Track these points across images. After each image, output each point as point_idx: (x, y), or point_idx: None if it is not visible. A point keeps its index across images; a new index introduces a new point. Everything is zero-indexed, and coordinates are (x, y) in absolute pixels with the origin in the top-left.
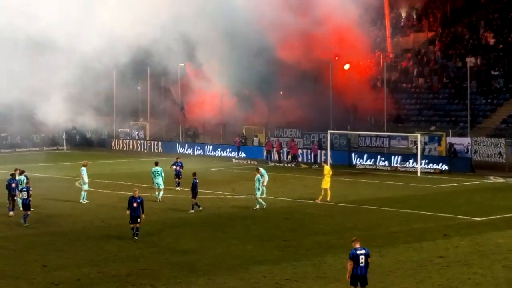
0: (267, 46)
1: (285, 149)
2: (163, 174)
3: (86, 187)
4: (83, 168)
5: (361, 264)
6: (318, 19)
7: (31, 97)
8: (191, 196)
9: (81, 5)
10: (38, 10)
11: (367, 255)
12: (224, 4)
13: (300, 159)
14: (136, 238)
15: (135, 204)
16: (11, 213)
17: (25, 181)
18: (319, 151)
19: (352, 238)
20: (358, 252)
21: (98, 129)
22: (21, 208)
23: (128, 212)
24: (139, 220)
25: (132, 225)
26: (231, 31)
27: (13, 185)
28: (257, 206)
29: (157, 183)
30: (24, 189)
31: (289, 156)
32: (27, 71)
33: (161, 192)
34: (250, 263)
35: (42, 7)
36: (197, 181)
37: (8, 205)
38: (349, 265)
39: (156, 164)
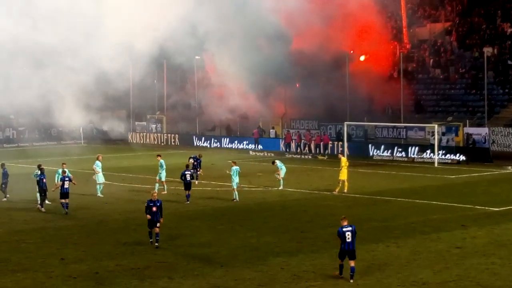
0: (283, 38)
1: (302, 140)
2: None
3: (100, 180)
4: (97, 162)
5: (347, 240)
6: (335, 9)
7: (46, 97)
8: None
9: (93, 11)
10: (50, 21)
11: (353, 232)
12: None
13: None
14: (157, 244)
15: (154, 208)
16: (39, 207)
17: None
18: (333, 143)
19: (341, 216)
20: (345, 229)
21: (115, 122)
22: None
23: (149, 216)
24: (158, 224)
25: (150, 229)
26: (247, 23)
27: (44, 180)
28: (236, 198)
29: (163, 176)
30: (66, 179)
31: (306, 148)
32: (39, 74)
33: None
34: (268, 255)
35: (54, 19)
36: (187, 172)
37: (38, 200)
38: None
39: (160, 156)
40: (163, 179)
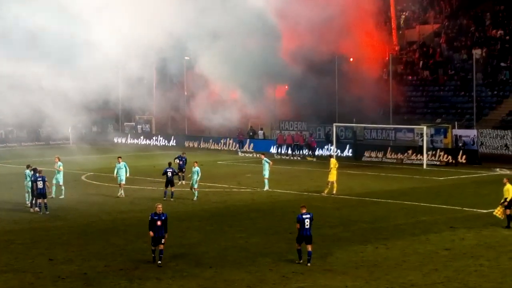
0: (273, 38)
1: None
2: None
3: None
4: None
5: (306, 226)
6: (325, 10)
7: (33, 101)
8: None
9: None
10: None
11: (311, 219)
12: None
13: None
14: (160, 262)
15: (158, 223)
16: (33, 209)
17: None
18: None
19: (301, 204)
20: (304, 216)
21: (103, 123)
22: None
23: (151, 233)
24: (163, 241)
25: (154, 247)
26: (236, 22)
27: (39, 180)
28: (195, 198)
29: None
30: (39, 179)
31: (295, 149)
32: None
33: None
34: (256, 256)
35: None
36: (168, 170)
37: (31, 201)
38: (297, 226)
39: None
40: (123, 182)
